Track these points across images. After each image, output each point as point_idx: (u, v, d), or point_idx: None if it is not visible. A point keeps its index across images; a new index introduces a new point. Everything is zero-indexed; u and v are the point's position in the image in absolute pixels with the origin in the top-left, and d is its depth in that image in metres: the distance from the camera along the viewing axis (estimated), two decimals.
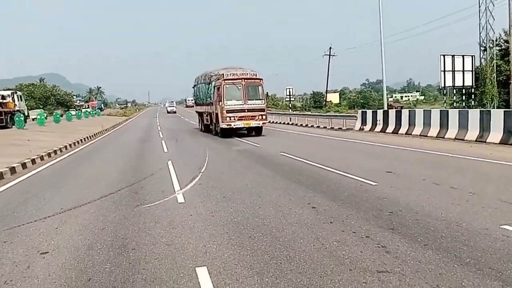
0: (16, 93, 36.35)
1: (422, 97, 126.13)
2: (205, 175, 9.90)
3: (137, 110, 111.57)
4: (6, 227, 5.98)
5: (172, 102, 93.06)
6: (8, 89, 44.19)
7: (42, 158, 14.41)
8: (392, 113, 20.63)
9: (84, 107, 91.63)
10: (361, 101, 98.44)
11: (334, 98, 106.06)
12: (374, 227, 5.48)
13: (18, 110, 33.08)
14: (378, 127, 20.98)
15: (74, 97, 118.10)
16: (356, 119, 23.36)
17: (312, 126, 27.44)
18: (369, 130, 21.44)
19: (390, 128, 20.06)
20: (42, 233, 5.68)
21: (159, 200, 7.47)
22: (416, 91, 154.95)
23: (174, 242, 5.14)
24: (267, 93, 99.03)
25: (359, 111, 23.30)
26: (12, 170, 11.35)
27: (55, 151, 16.36)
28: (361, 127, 22.27)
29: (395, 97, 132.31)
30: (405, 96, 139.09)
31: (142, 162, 13.38)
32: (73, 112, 54.55)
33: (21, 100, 37.31)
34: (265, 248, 4.81)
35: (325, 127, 25.55)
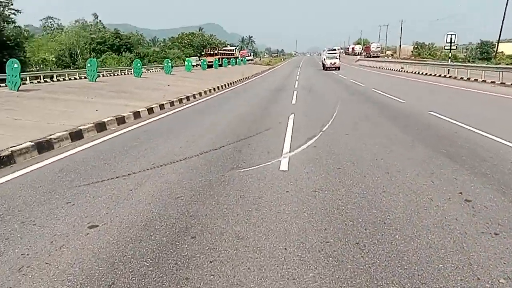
0: (236, 47, 77.59)
1: None
2: (325, 135, 8.17)
3: (282, 60, 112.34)
4: (84, 183, 5.36)
5: (335, 50, 47.89)
6: (233, 45, 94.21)
7: (172, 103, 14.44)
8: None
9: (248, 55, 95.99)
10: None
11: (507, 49, 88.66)
12: None
13: (237, 57, 71.65)
14: None
15: (228, 45, 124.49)
16: None
17: (476, 80, 22.64)
18: None
19: None
20: (111, 196, 4.85)
21: (259, 164, 6.11)
22: None
23: (248, 235, 3.69)
24: (423, 42, 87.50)
25: None
26: (136, 114, 11.34)
27: (187, 97, 16.41)
28: None
29: None
30: None
31: (264, 113, 12.20)
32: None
33: (238, 51, 75.07)
34: (376, 274, 3.02)
35: (493, 82, 20.72)
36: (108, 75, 39.72)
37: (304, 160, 6.29)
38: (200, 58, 54.39)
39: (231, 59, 59.32)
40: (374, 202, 4.41)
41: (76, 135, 8.19)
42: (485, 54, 72.16)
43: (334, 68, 42.87)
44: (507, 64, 35.97)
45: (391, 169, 5.65)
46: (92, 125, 8.97)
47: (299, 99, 15.65)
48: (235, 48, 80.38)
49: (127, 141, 8.20)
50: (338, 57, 44.48)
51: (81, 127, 8.56)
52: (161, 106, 13.48)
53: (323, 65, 46.24)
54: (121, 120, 10.33)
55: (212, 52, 61.69)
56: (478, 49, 79.33)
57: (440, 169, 5.61)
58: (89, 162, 6.52)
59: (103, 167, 6.20)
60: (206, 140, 8.09)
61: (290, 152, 6.82)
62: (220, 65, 50.11)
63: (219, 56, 57.31)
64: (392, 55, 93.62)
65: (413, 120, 10.13)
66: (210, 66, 44.60)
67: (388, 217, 4.02)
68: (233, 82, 26.84)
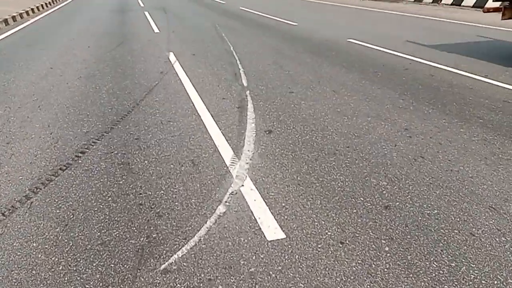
0: None
1: None
2: (258, 97, 4.76)
3: None
4: None
5: None
6: None
7: None
8: None
9: None
10: None
11: None
12: None
13: None
14: None
15: None
16: None
17: None
18: (432, 2, 15.70)
19: None
20: None
21: (207, 212, 2.50)
22: None
23: None
24: None
25: None
26: None
27: None
28: None
29: None
30: None
31: (125, 53, 7.75)
32: None
33: None
34: None
35: None
36: None
37: (283, 184, 2.86)
38: None
39: None
40: None
41: None
42: None
43: None
44: None
45: (480, 191, 2.73)
46: None
47: (160, 26, 11.31)
48: None
49: None
50: None
51: None
52: None
53: None
54: None
55: None
56: None
57: None
58: None
59: None
60: (37, 135, 3.83)
61: (238, 158, 3.27)
62: None
63: None
64: None
65: (348, 55, 7.30)
66: None
67: None
68: (49, 2, 19.87)
